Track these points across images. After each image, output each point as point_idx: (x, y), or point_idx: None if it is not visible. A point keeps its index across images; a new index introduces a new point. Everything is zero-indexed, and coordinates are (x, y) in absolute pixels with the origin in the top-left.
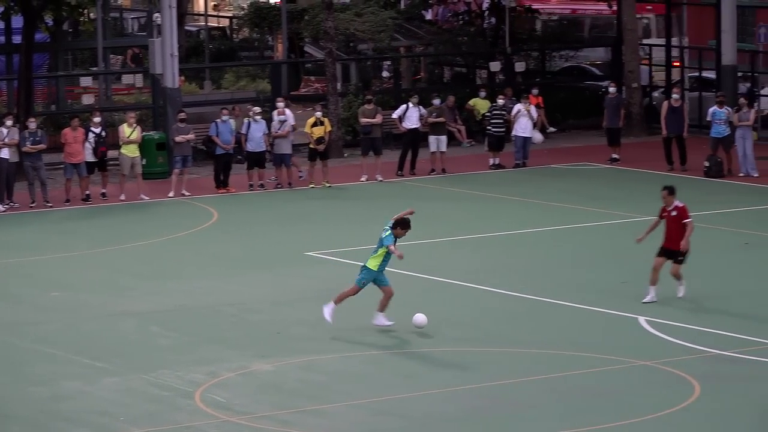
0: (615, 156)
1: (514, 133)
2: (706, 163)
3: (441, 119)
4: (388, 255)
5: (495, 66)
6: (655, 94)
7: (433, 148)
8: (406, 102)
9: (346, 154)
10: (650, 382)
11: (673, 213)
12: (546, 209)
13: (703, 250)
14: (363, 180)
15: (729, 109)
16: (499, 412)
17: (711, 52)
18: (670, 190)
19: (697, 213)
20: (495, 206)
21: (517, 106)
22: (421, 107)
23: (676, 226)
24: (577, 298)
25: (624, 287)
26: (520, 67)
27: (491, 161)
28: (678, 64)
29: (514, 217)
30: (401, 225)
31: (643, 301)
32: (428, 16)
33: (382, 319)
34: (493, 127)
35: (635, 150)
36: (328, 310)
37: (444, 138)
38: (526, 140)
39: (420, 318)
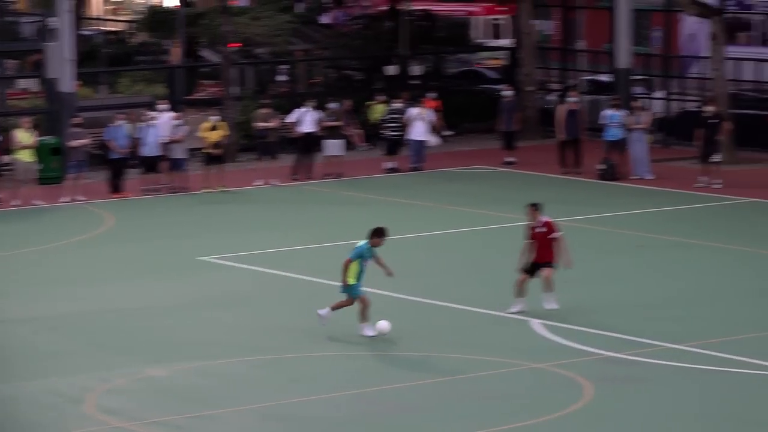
0: (510, 159)
1: (410, 136)
2: (601, 166)
3: (337, 123)
4: (362, 265)
5: (391, 70)
6: (551, 97)
7: (328, 152)
8: (302, 106)
9: (241, 159)
10: (543, 384)
11: (542, 229)
12: (442, 212)
13: (597, 252)
14: (258, 184)
15: (624, 112)
16: (388, 415)
17: (606, 55)
18: (536, 207)
19: (591, 216)
20: (390, 210)
21: (413, 110)
22: (317, 111)
23: (545, 242)
24: (470, 300)
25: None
26: (416, 70)
27: (387, 165)
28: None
29: (410, 220)
30: (376, 234)
31: (510, 311)
32: (325, 19)
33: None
34: (390, 131)
35: (530, 153)
36: (371, 331)
37: (340, 142)
38: (422, 144)
39: (384, 325)
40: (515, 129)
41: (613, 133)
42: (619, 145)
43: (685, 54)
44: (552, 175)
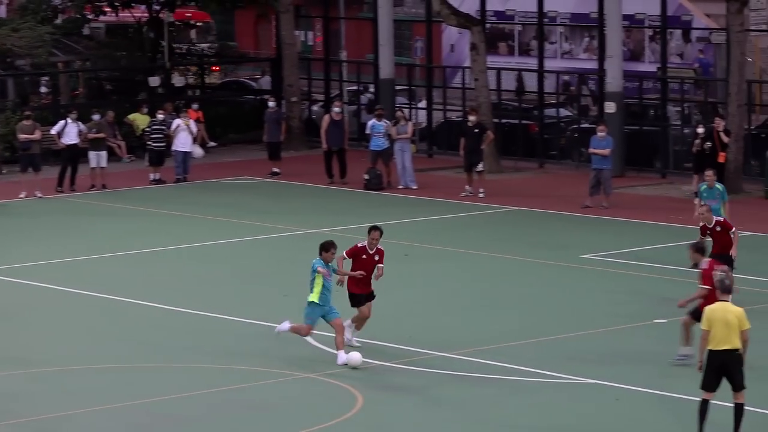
0: (275, 170)
1: (174, 148)
2: (366, 176)
3: (101, 135)
4: (326, 282)
5: (154, 81)
6: (315, 107)
7: (93, 163)
8: (64, 117)
9: (4, 171)
10: (314, 394)
11: (376, 256)
12: (208, 224)
13: None
14: (22, 197)
15: (387, 122)
16: (162, 428)
17: (369, 65)
18: (381, 232)
19: (358, 225)
20: (156, 221)
21: (177, 121)
22: (80, 123)
23: (371, 269)
24: (239, 311)
25: (286, 300)
26: (179, 81)
27: (152, 176)
28: (217, 69)
29: (176, 232)
30: (323, 248)
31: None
32: (87, 30)
33: (343, 357)
34: (154, 142)
35: (295, 164)
36: (283, 327)
37: (104, 153)
38: (187, 155)
39: (355, 356)
40: (280, 139)
41: (378, 143)
42: (384, 155)
43: (448, 64)
44: (318, 185)
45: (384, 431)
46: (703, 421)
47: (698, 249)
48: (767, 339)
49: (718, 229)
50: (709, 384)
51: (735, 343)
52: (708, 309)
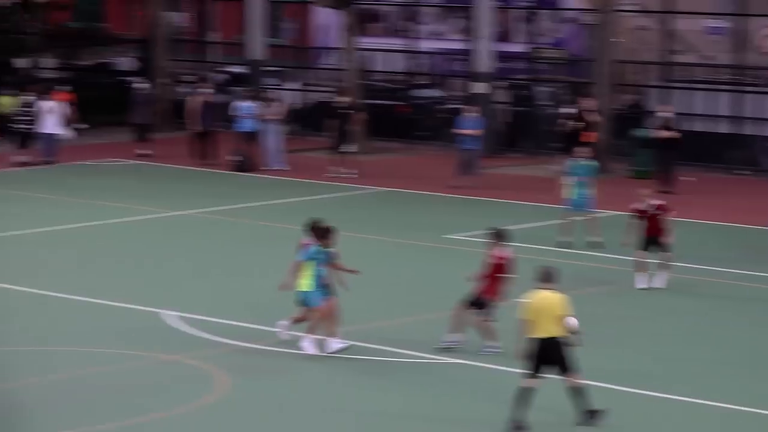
0: (144, 152)
1: (41, 130)
2: (235, 158)
3: None
4: (317, 269)
5: (22, 62)
6: (184, 89)
7: None
8: None
9: None
10: (176, 377)
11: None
12: (76, 206)
13: (234, 244)
14: None
15: (256, 103)
16: (18, 413)
17: (240, 46)
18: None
19: (225, 207)
20: (22, 205)
21: (45, 103)
22: None
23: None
24: (101, 293)
25: (151, 282)
26: (48, 63)
27: (18, 159)
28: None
29: (43, 215)
30: (320, 235)
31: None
32: None
33: (309, 345)
34: (21, 124)
35: (164, 145)
36: (309, 346)
37: None
38: (53, 137)
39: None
40: (150, 121)
41: (246, 125)
42: (253, 137)
43: (318, 45)
44: (186, 167)
45: (245, 415)
46: (520, 407)
47: (498, 234)
48: (623, 316)
49: (659, 212)
50: (531, 371)
51: (553, 331)
52: (527, 298)
